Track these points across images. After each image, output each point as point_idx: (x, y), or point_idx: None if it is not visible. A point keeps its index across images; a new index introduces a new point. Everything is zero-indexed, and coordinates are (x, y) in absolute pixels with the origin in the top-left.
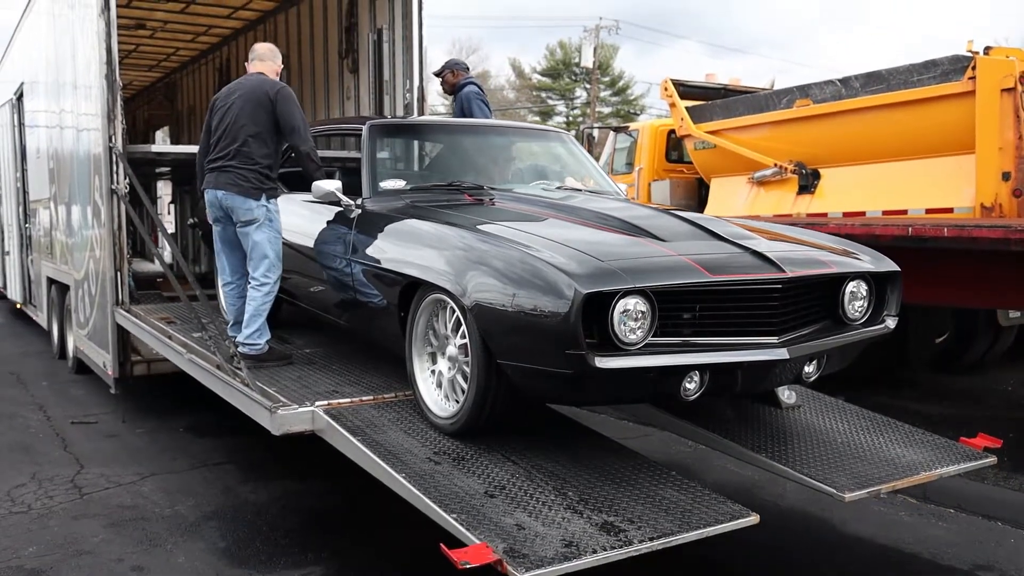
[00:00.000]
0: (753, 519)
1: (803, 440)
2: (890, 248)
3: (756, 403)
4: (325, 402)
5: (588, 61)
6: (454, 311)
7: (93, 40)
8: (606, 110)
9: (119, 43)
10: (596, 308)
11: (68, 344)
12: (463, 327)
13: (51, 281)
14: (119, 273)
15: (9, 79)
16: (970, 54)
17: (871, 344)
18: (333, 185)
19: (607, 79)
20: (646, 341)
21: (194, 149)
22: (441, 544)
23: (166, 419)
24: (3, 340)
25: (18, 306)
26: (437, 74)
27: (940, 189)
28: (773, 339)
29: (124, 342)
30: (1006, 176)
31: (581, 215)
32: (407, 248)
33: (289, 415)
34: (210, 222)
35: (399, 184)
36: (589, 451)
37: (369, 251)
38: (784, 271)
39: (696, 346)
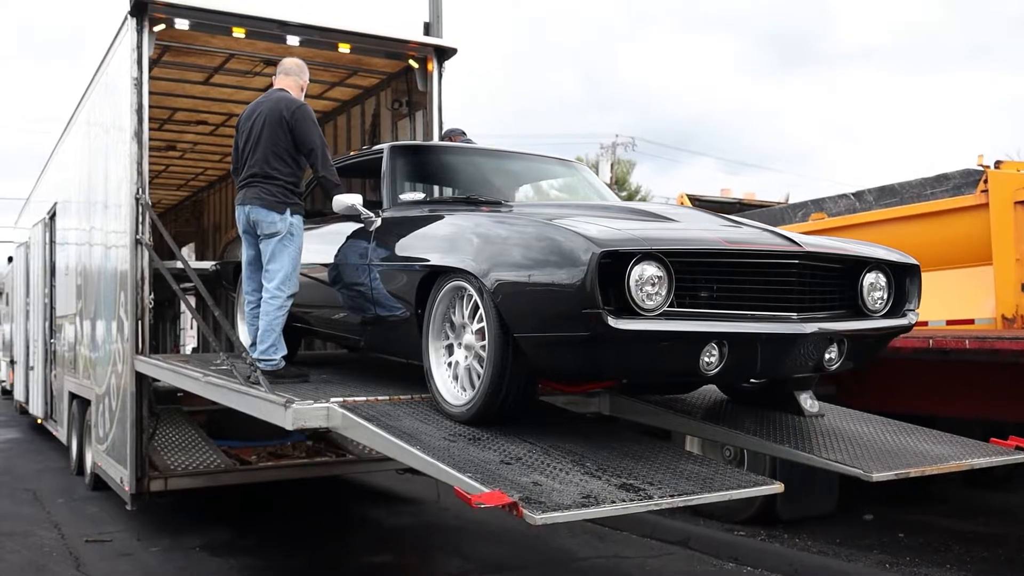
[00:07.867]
0: (777, 487)
1: (828, 437)
2: (911, 360)
3: (778, 411)
4: (340, 399)
5: (605, 176)
6: (472, 297)
7: (125, 162)
8: None
9: (149, 164)
10: (614, 276)
11: (86, 460)
12: (480, 311)
13: (72, 396)
14: (140, 322)
15: (43, 199)
16: (981, 168)
17: None
18: (354, 199)
19: (624, 194)
20: (663, 309)
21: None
22: (456, 488)
23: (181, 537)
24: (22, 456)
25: (39, 421)
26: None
27: (960, 301)
28: (792, 315)
29: (142, 456)
30: None
31: (600, 210)
32: (426, 241)
33: (304, 409)
34: (240, 235)
35: (418, 196)
36: (606, 435)
37: (387, 253)
38: (801, 246)
39: (714, 316)
